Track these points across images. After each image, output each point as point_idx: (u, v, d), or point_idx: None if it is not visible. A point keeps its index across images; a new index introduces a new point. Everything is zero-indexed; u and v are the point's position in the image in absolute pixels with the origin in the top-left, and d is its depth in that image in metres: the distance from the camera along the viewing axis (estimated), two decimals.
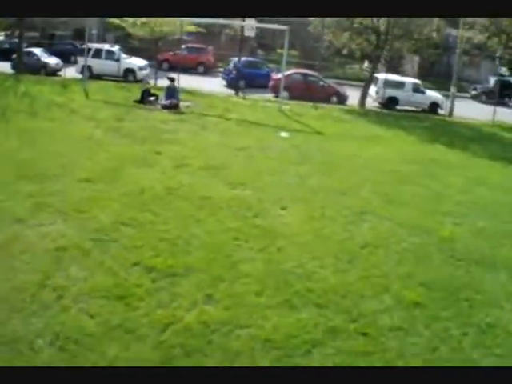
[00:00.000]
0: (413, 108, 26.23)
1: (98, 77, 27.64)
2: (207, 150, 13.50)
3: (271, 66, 34.58)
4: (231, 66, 29.39)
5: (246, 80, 27.08)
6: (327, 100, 25.35)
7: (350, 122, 20.15)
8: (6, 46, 32.59)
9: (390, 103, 25.66)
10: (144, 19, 26.03)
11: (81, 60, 28.08)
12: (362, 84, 26.61)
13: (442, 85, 30.35)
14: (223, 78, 29.91)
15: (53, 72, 28.98)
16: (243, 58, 29.27)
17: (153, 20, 25.99)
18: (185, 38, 30.64)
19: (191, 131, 15.55)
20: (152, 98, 19.42)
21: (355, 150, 14.99)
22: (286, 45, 21.12)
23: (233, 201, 9.76)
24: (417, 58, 37.49)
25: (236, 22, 27.64)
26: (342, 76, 35.10)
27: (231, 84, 28.13)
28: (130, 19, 26.57)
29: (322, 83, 26.32)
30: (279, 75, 25.31)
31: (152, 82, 25.87)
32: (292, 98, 23.97)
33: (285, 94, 21.35)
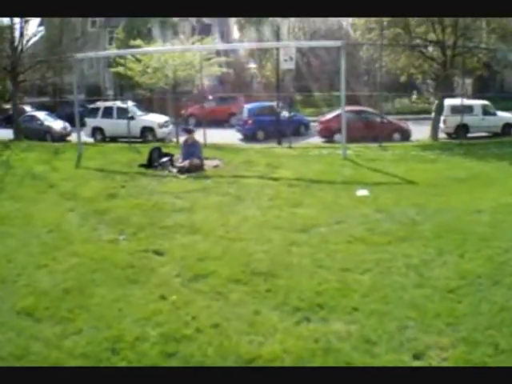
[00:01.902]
0: (484, 134, 22.18)
1: (112, 139, 23.62)
2: (245, 239, 7.79)
3: (308, 110, 30.85)
4: (245, 114, 24.54)
5: (265, 130, 23.16)
6: (389, 138, 21.00)
7: (437, 161, 15.04)
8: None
9: (459, 131, 21.07)
10: (154, 65, 21.87)
11: (89, 122, 24.38)
12: (417, 117, 22.01)
13: (497, 103, 25.46)
14: (238, 131, 24.90)
15: (60, 137, 25.16)
16: (256, 104, 25.26)
17: (164, 65, 21.80)
18: (205, 83, 25.88)
19: (219, 206, 9.84)
20: (165, 159, 14.07)
21: (468, 200, 9.78)
22: (343, 70, 15.42)
23: (311, 354, 4.56)
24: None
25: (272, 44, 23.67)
26: (393, 112, 30.26)
27: (248, 136, 23.93)
28: (139, 67, 22.40)
29: (379, 119, 21.53)
30: (329, 116, 22.19)
31: (175, 140, 21.50)
32: (347, 140, 19.02)
33: (339, 137, 16.48)
